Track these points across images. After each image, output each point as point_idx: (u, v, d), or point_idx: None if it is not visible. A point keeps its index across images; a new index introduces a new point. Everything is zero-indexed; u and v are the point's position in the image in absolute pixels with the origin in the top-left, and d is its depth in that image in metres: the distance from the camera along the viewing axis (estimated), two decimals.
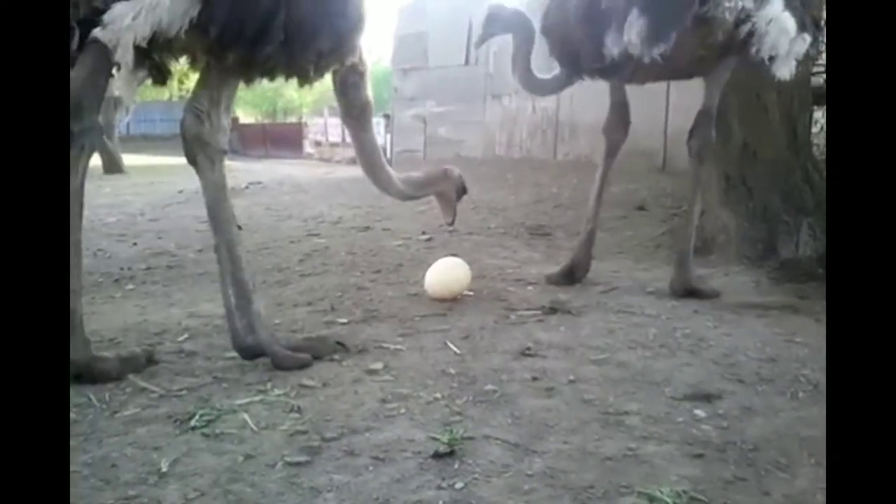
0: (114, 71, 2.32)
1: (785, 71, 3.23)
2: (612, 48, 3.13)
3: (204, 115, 2.48)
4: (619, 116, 3.78)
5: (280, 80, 2.64)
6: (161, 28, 2.12)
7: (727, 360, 2.61)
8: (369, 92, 3.01)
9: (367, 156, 3.15)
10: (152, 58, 2.42)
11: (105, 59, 2.17)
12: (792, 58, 3.22)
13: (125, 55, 2.10)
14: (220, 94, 2.53)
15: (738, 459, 1.86)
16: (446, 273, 3.50)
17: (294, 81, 2.66)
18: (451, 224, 3.75)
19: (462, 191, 3.51)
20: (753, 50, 3.18)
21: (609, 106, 3.80)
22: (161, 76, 2.53)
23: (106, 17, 2.09)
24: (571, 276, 3.81)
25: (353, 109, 3.04)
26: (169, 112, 32.28)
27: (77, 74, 2.27)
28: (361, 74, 2.97)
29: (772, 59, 3.21)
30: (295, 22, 2.33)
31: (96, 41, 2.13)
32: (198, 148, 2.50)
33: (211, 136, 2.50)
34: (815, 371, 2.48)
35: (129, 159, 16.20)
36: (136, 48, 2.13)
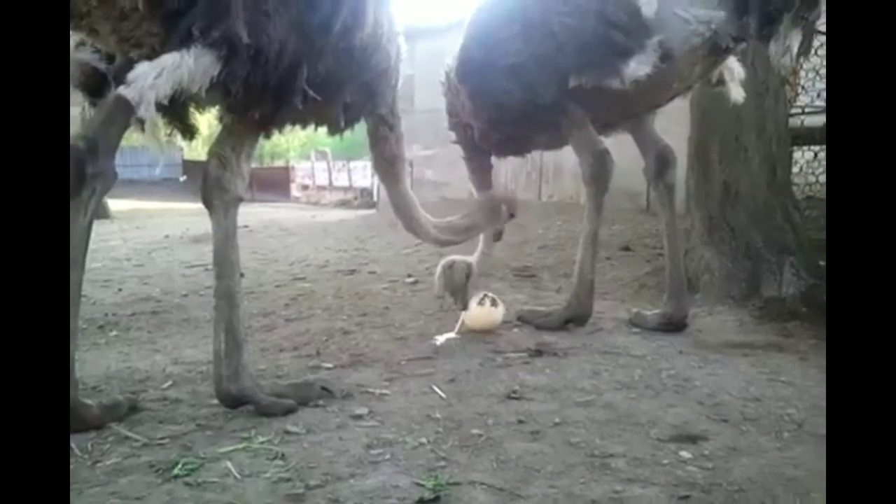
0: (133, 122, 2.28)
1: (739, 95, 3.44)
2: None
3: (226, 160, 2.52)
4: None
5: None
6: (183, 87, 2.13)
7: (712, 400, 2.61)
8: (401, 146, 3.06)
9: (398, 206, 3.18)
10: (177, 113, 2.46)
11: (125, 111, 2.16)
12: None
13: (148, 112, 2.11)
14: (243, 142, 2.57)
15: (723, 501, 1.85)
16: (488, 314, 3.66)
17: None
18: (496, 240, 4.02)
19: (510, 217, 3.70)
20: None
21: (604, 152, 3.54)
22: (188, 131, 2.57)
23: (129, 76, 2.10)
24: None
25: (383, 161, 3.09)
26: (155, 157, 32.42)
27: (97, 119, 2.25)
28: (392, 128, 3.02)
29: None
30: (320, 76, 2.36)
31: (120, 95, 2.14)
32: (215, 192, 2.52)
33: (230, 182, 2.53)
34: (800, 410, 2.49)
35: (115, 204, 16.20)
36: (159, 105, 2.14)
